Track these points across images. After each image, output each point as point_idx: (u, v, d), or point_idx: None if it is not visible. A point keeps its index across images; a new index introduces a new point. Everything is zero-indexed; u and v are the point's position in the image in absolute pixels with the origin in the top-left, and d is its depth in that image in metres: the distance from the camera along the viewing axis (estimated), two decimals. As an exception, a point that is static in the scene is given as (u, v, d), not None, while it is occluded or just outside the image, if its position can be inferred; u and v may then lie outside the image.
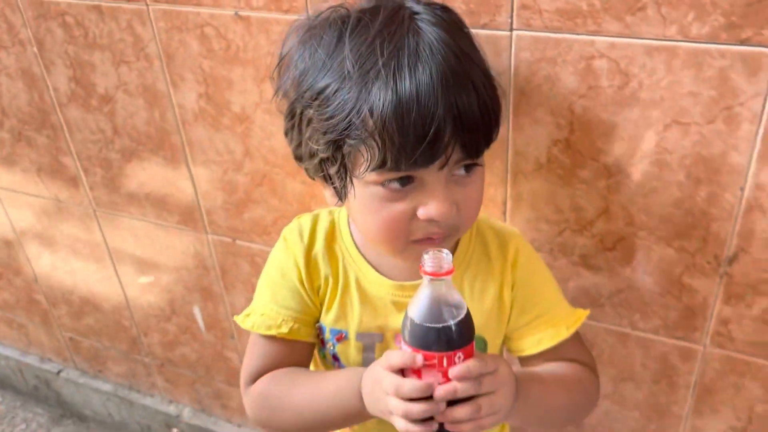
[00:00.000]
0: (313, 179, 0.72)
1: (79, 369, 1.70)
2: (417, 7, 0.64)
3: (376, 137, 0.59)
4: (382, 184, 0.63)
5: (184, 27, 0.96)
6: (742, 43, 0.67)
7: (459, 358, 0.59)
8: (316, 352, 0.83)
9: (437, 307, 0.59)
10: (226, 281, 1.24)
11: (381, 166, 0.61)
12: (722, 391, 0.91)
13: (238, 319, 0.79)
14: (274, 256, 0.80)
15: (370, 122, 0.59)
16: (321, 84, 0.63)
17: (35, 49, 1.12)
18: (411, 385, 0.59)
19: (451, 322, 0.59)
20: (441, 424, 0.61)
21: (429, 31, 0.61)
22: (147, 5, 0.97)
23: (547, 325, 0.76)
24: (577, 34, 0.73)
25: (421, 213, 0.64)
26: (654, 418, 0.99)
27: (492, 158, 0.86)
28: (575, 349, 0.78)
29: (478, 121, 0.61)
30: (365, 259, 0.76)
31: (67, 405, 1.76)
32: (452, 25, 0.65)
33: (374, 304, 0.75)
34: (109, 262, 1.37)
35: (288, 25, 0.87)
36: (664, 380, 0.94)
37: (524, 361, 0.79)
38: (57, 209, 1.35)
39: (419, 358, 0.59)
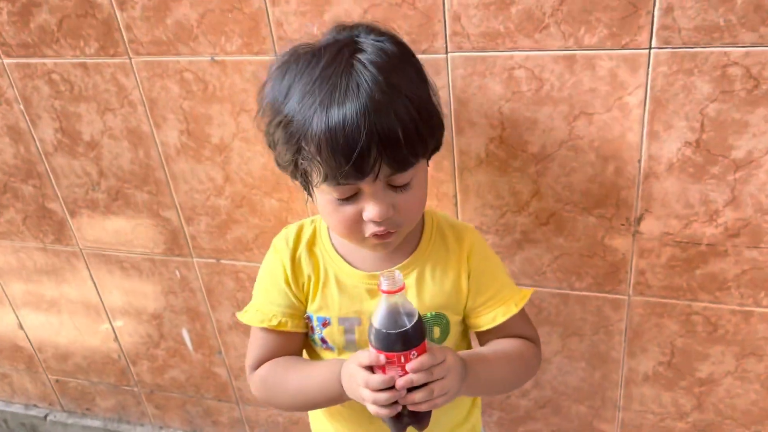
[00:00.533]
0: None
1: (67, 410, 1.76)
2: (364, 43, 0.79)
3: (318, 158, 0.76)
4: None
5: (165, 74, 1.11)
6: (623, 47, 0.87)
7: (413, 355, 0.74)
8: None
9: (394, 317, 0.74)
10: (212, 300, 1.37)
11: (325, 180, 0.78)
12: (648, 332, 1.10)
13: (239, 315, 0.95)
14: (265, 261, 0.95)
15: (312, 147, 0.76)
16: (281, 116, 0.80)
17: (21, 106, 1.24)
18: (377, 379, 0.76)
19: (406, 328, 0.74)
20: (404, 406, 0.77)
21: (361, 71, 0.76)
22: (130, 58, 1.11)
23: (499, 304, 0.92)
24: (499, 51, 0.92)
25: (365, 215, 0.80)
26: (598, 365, 1.17)
27: (441, 159, 1.04)
28: (522, 324, 0.95)
29: (400, 142, 0.76)
30: (341, 256, 0.92)
31: (55, 449, 1.82)
32: (392, 59, 0.79)
33: (350, 293, 0.91)
34: (98, 299, 1.47)
35: (258, 64, 1.04)
36: (602, 330, 1.13)
37: (481, 335, 0.95)
38: (43, 254, 1.45)
39: (382, 358, 0.75)
